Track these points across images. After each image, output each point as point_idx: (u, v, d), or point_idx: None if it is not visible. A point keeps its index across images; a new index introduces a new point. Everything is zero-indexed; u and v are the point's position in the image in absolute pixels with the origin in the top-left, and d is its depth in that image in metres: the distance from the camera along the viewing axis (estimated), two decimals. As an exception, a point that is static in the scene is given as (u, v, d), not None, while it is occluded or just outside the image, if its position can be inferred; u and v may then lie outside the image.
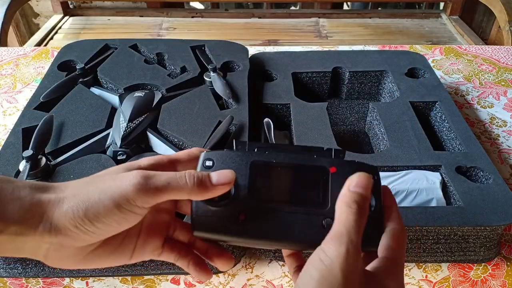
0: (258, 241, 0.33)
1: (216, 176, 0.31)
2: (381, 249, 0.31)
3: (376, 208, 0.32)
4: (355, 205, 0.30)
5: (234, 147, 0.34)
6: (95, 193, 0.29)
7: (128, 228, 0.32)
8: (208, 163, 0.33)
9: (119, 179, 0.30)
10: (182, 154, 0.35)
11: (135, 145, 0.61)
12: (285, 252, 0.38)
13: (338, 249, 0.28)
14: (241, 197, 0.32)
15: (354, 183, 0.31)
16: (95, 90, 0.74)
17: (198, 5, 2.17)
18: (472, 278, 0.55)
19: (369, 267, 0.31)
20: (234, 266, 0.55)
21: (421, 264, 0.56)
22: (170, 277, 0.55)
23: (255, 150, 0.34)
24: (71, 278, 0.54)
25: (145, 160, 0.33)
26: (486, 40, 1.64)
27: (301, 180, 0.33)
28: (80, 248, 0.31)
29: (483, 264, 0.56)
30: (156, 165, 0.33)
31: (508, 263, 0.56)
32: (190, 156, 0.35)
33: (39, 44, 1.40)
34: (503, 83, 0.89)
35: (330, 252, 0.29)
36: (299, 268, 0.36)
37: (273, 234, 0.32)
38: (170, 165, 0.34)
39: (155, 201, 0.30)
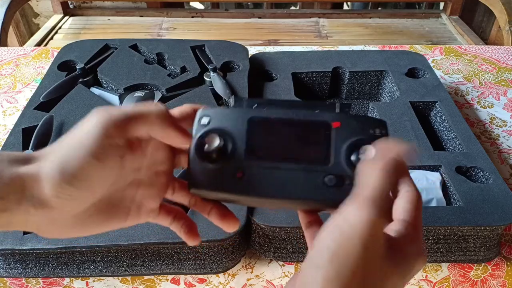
0: (256, 199, 0.32)
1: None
2: (398, 212, 0.29)
3: None
4: (392, 173, 0.27)
5: (232, 104, 0.34)
6: (66, 151, 0.27)
7: (122, 191, 0.31)
8: (205, 120, 0.32)
9: (84, 125, 0.28)
10: (174, 111, 0.33)
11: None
12: None
13: (361, 216, 0.25)
14: (239, 154, 0.31)
15: (396, 150, 0.28)
16: (95, 90, 0.74)
17: (198, 5, 2.17)
18: (472, 278, 0.55)
19: (387, 231, 0.28)
20: (234, 266, 0.55)
21: (421, 264, 0.56)
22: (170, 277, 0.55)
23: (254, 106, 0.33)
24: (71, 278, 0.54)
25: None
26: (486, 40, 1.64)
27: (301, 136, 0.32)
28: (72, 217, 0.29)
29: (483, 264, 0.56)
30: None
31: (508, 263, 0.56)
32: (182, 114, 0.33)
33: (39, 44, 1.40)
34: (503, 83, 0.89)
35: (350, 218, 0.26)
36: (311, 223, 0.34)
37: (272, 191, 0.31)
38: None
39: (127, 131, 0.28)
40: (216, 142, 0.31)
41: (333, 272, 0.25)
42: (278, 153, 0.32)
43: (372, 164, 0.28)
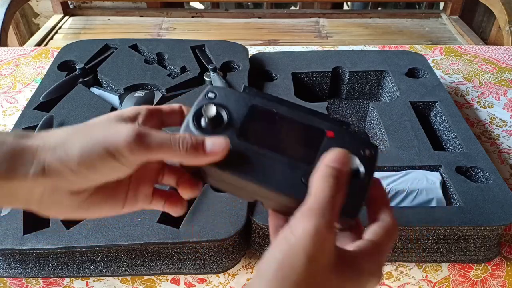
0: (232, 177, 0.32)
1: (210, 143, 0.31)
2: (369, 233, 0.30)
3: (364, 180, 0.31)
4: (332, 180, 0.28)
5: (242, 89, 0.35)
6: (89, 141, 0.29)
7: (121, 180, 0.33)
8: (211, 94, 0.34)
9: (113, 130, 0.30)
10: (165, 106, 0.35)
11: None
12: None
13: (305, 227, 0.26)
14: (231, 133, 0.32)
15: (331, 158, 0.29)
16: (95, 90, 0.74)
17: (198, 5, 2.17)
18: (472, 278, 0.55)
19: (351, 246, 0.29)
20: (234, 266, 0.55)
21: (421, 264, 0.56)
22: (170, 277, 0.55)
23: (261, 98, 0.34)
24: (71, 278, 0.54)
25: (134, 109, 0.33)
26: (486, 40, 1.64)
27: (294, 134, 0.33)
28: (74, 195, 0.31)
29: (483, 264, 0.56)
30: (146, 114, 0.33)
31: (508, 263, 0.56)
32: (171, 109, 0.35)
33: (39, 44, 1.40)
34: (503, 83, 0.89)
35: (296, 230, 0.27)
36: (278, 229, 0.35)
37: (249, 173, 0.31)
38: (157, 113, 0.35)
39: (146, 159, 0.30)
40: (213, 112, 0.32)
41: (277, 284, 0.25)
42: (268, 142, 0.32)
43: (314, 176, 0.29)
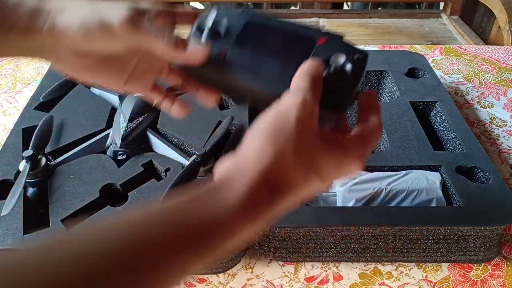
0: (229, 76, 0.36)
1: (191, 46, 0.35)
2: (356, 127, 0.34)
3: (352, 77, 0.34)
4: (310, 77, 0.32)
5: (241, 11, 0.38)
6: (91, 14, 0.34)
7: (125, 58, 0.38)
8: (213, 11, 0.38)
9: (115, 11, 0.35)
10: (179, 10, 0.39)
11: (135, 145, 0.61)
12: None
13: (294, 98, 0.31)
14: (228, 41, 0.36)
15: (306, 65, 0.33)
16: (95, 90, 0.74)
17: (198, 5, 2.17)
18: (472, 278, 0.55)
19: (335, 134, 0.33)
20: (234, 266, 0.55)
21: (421, 264, 0.56)
22: (170, 277, 0.55)
23: (258, 15, 0.38)
24: (71, 278, 0.54)
25: (148, 3, 0.37)
26: (486, 40, 1.64)
27: (287, 42, 0.36)
28: (78, 56, 0.36)
29: (483, 264, 0.56)
30: (158, 11, 0.37)
31: (508, 263, 0.56)
32: (185, 12, 0.39)
33: (39, 44, 1.40)
34: (503, 83, 0.89)
35: (286, 102, 0.31)
36: None
37: (244, 72, 0.35)
38: (170, 13, 0.38)
39: (134, 41, 0.35)
40: (210, 23, 0.36)
41: (270, 139, 0.29)
42: (261, 47, 0.36)
43: (294, 78, 0.33)
